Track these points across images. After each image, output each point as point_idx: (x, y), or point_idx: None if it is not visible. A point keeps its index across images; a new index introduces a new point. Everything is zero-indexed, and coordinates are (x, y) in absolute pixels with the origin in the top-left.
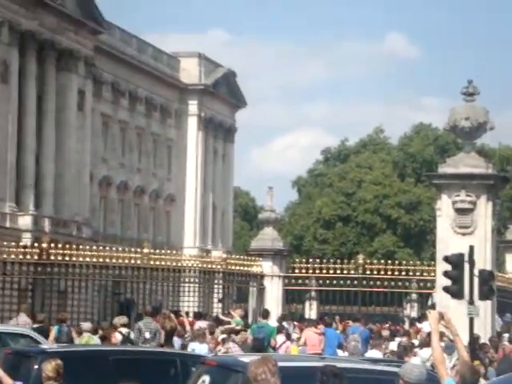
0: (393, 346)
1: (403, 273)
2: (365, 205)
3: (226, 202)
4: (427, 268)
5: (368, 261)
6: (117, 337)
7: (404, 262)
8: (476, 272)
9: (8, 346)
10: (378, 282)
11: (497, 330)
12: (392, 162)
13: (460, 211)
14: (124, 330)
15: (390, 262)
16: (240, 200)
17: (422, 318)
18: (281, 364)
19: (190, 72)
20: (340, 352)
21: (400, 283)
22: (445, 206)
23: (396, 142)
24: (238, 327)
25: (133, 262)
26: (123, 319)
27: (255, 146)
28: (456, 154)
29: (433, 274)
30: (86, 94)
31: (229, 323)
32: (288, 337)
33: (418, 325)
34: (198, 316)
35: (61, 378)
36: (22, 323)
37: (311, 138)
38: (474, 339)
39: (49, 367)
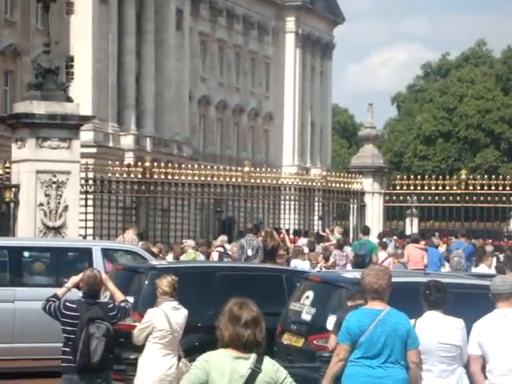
0: None
1: (507, 188)
2: (467, 120)
3: (325, 120)
4: None
5: (471, 176)
6: (213, 256)
7: (508, 177)
8: None
9: (116, 262)
10: (481, 198)
11: None
12: (495, 76)
13: None
14: (220, 249)
15: (493, 177)
16: (338, 117)
17: None
18: None
19: None
20: (443, 270)
21: (504, 198)
22: None
23: (499, 54)
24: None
25: (233, 180)
26: (222, 238)
27: (353, 63)
28: None
29: None
30: (184, 13)
31: (329, 239)
32: (390, 252)
33: None
34: (298, 233)
35: (176, 294)
36: (128, 240)
37: (410, 53)
38: None
39: (164, 282)
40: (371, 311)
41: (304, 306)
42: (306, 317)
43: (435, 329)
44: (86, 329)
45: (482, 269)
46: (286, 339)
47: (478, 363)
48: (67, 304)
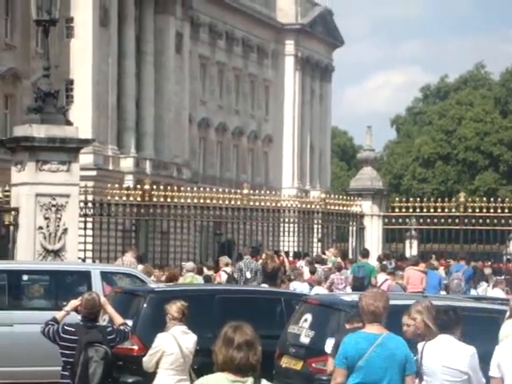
0: None
1: (506, 210)
2: (465, 142)
3: (324, 142)
4: None
5: (470, 199)
6: (222, 276)
7: (507, 200)
8: None
9: (115, 285)
10: (480, 220)
11: None
12: (493, 98)
13: None
14: (228, 270)
15: (492, 199)
16: (338, 140)
17: None
18: None
19: (286, 11)
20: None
21: (503, 221)
22: None
23: (498, 77)
24: (338, 265)
25: (233, 202)
26: (226, 259)
27: (352, 85)
28: None
29: None
30: (184, 36)
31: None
32: (390, 274)
33: None
34: (298, 256)
35: (186, 319)
36: (127, 263)
37: (408, 76)
38: None
39: (174, 308)
40: (369, 335)
41: (302, 329)
42: (305, 340)
43: (442, 352)
44: (85, 352)
45: (496, 293)
46: (285, 362)
47: None
48: (66, 327)
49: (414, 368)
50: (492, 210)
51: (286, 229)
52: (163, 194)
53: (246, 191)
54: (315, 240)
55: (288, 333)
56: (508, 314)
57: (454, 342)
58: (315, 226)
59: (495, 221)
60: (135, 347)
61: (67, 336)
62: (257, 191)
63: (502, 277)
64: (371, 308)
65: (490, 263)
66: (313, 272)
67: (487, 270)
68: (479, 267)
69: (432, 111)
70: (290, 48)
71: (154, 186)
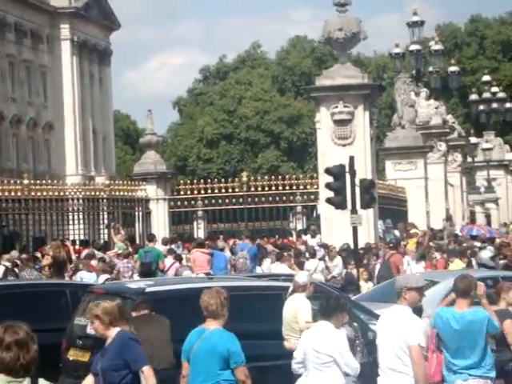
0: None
1: (287, 187)
2: (247, 121)
3: (107, 127)
4: (310, 181)
5: (252, 178)
6: None
7: (287, 177)
8: (357, 182)
9: None
10: (263, 198)
11: (380, 235)
12: (271, 77)
13: (339, 122)
14: (7, 264)
15: (273, 177)
16: (121, 123)
17: (308, 230)
18: (169, 287)
19: None
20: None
21: (285, 198)
22: (324, 118)
23: (274, 56)
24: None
25: (13, 194)
26: (14, 253)
27: (131, 68)
28: (333, 65)
29: (316, 187)
30: None
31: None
32: (177, 258)
33: (304, 237)
34: (85, 244)
35: None
36: None
37: (187, 57)
38: (357, 248)
39: None
40: (200, 330)
41: (89, 320)
42: (92, 331)
43: (314, 337)
44: None
45: (281, 268)
46: (72, 355)
47: None
48: None
49: (239, 361)
50: (274, 188)
51: (71, 217)
52: None
53: (26, 181)
54: (101, 227)
55: (74, 325)
56: (291, 289)
57: (327, 327)
58: (101, 213)
59: (277, 198)
60: None
61: None
62: (38, 181)
63: (286, 253)
64: (204, 305)
65: (274, 239)
66: (103, 260)
67: (269, 247)
68: (263, 244)
69: (213, 92)
70: (66, 32)
71: None
